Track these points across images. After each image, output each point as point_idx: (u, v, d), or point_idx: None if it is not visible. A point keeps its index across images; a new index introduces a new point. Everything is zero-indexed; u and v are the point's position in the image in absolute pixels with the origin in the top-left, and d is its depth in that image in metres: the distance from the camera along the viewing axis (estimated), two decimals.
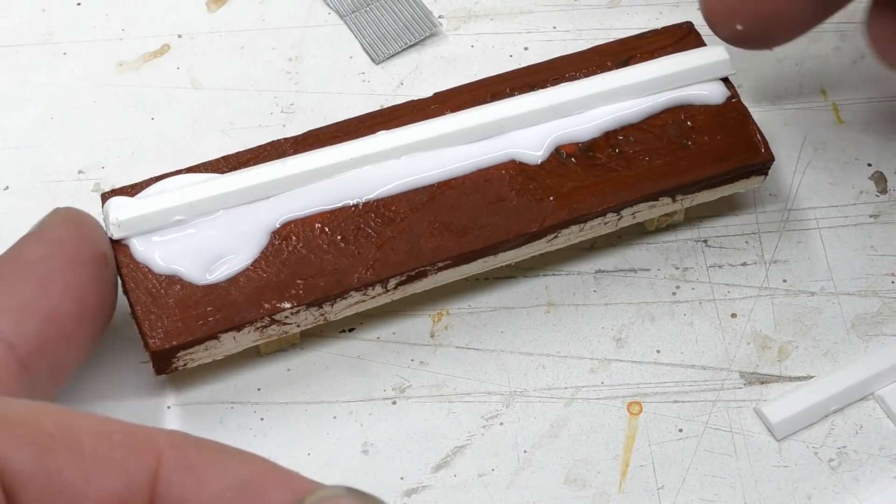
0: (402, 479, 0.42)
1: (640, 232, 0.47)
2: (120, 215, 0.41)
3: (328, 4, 0.53)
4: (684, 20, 0.48)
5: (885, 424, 0.43)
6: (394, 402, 0.44)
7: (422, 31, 0.52)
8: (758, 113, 0.51)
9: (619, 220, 0.45)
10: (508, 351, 0.45)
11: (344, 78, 0.51)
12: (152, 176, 0.44)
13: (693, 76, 0.46)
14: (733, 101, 0.47)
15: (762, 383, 0.44)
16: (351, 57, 0.52)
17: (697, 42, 0.48)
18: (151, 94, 0.51)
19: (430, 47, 0.52)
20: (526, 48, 0.52)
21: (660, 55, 0.47)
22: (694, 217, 0.48)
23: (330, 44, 0.52)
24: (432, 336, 0.45)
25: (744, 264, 0.47)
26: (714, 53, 0.47)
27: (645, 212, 0.45)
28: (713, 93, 0.46)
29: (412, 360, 0.44)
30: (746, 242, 0.47)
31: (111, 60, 0.52)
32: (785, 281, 0.47)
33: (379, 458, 0.42)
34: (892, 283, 0.46)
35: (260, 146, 0.45)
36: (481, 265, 0.44)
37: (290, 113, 0.50)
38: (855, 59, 0.52)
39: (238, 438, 0.43)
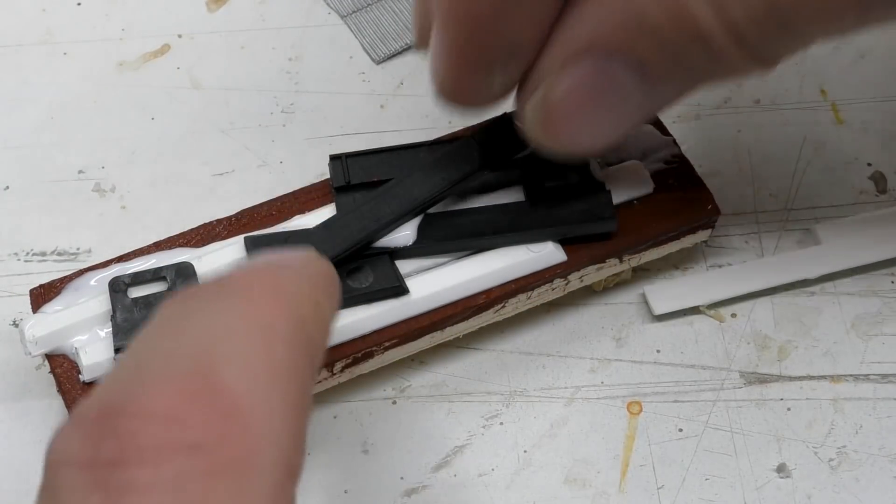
0: (402, 478, 0.42)
1: None
2: (36, 332, 0.40)
3: (328, 4, 0.53)
4: None
5: (885, 424, 0.43)
6: (394, 402, 0.44)
7: None
8: (757, 114, 0.51)
9: (567, 284, 0.43)
10: (508, 351, 0.45)
11: (344, 78, 0.51)
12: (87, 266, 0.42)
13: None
14: (676, 156, 0.45)
15: (762, 383, 0.44)
16: (351, 57, 0.52)
17: None
18: (151, 94, 0.51)
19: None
20: None
21: None
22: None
23: (330, 44, 0.52)
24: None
25: (744, 264, 0.47)
26: None
27: (592, 274, 0.44)
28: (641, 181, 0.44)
29: (412, 360, 0.44)
30: (746, 242, 0.47)
31: (111, 60, 0.52)
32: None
33: (379, 458, 0.42)
34: (892, 283, 0.46)
35: (192, 229, 0.43)
36: (429, 341, 0.43)
37: (290, 113, 0.50)
38: (855, 59, 0.52)
39: None
